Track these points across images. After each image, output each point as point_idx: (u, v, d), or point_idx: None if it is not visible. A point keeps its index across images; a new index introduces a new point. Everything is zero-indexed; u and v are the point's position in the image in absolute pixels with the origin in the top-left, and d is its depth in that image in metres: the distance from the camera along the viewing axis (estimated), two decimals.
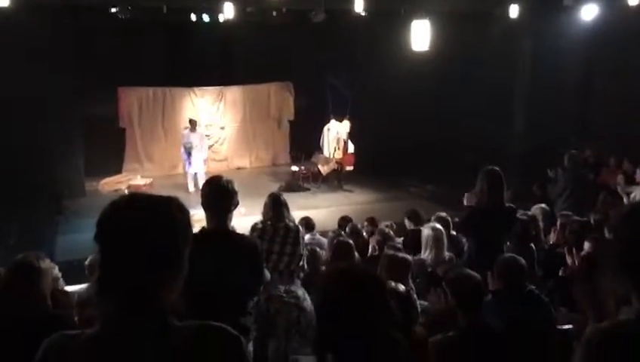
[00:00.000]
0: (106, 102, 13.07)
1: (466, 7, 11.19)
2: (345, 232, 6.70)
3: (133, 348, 1.29)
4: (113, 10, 10.10)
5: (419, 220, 6.56)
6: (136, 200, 1.40)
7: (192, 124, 11.95)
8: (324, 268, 5.07)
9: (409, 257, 4.34)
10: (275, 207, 4.44)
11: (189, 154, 11.80)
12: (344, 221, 7.44)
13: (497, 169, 4.70)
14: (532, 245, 5.12)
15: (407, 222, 6.72)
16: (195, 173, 11.90)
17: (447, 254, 5.29)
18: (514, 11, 10.40)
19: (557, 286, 4.54)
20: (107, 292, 1.34)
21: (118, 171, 13.40)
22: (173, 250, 1.37)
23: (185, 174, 12.40)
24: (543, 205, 6.59)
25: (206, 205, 3.22)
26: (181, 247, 1.40)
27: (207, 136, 14.25)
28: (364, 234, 6.85)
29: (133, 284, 1.32)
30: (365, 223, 7.34)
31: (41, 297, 2.98)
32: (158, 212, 1.37)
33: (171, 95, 14.06)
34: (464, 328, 3.07)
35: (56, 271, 4.50)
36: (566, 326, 3.80)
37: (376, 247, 5.69)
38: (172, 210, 1.39)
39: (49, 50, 10.38)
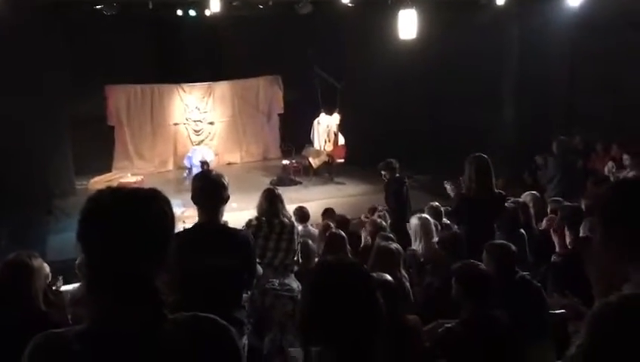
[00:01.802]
0: (93, 101, 12.98)
1: None
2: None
3: (124, 340, 1.28)
4: (98, 6, 10.01)
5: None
6: (119, 195, 1.38)
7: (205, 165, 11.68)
8: (316, 260, 5.08)
9: (399, 247, 4.35)
10: (270, 203, 4.45)
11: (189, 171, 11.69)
12: (327, 213, 7.50)
13: (484, 156, 4.71)
14: (522, 231, 5.15)
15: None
16: None
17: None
18: None
19: (549, 271, 4.57)
20: (99, 290, 1.33)
21: (108, 169, 13.34)
22: (159, 240, 1.36)
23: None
24: (534, 192, 6.62)
25: (197, 200, 3.20)
26: (167, 238, 1.39)
27: (196, 131, 14.30)
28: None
29: (125, 278, 1.31)
30: (368, 213, 7.46)
31: (34, 296, 2.97)
32: (140, 203, 1.36)
33: (159, 92, 13.99)
34: (468, 319, 3.05)
35: (47, 270, 4.49)
36: (559, 311, 3.82)
37: (369, 238, 5.72)
38: (153, 200, 1.38)
39: (34, 48, 10.27)
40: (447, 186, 5.11)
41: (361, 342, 1.51)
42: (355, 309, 1.51)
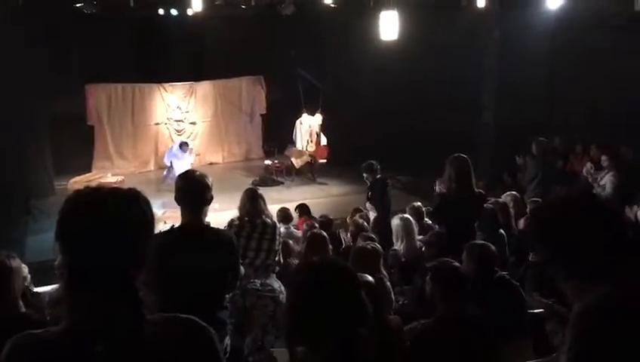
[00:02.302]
0: (73, 100, 12.83)
1: None
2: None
3: (102, 341, 1.28)
4: (78, 5, 9.90)
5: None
6: (97, 194, 1.38)
7: (184, 149, 11.70)
8: (297, 260, 5.09)
9: (378, 247, 4.38)
10: (252, 203, 4.44)
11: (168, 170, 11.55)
12: (301, 208, 7.51)
13: (464, 156, 4.75)
14: (502, 231, 5.20)
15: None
16: None
17: (419, 243, 5.35)
18: (481, 2, 10.49)
19: (528, 271, 4.63)
20: (76, 290, 1.32)
21: (88, 169, 13.20)
22: (138, 240, 1.37)
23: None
24: (514, 192, 6.69)
25: (180, 200, 3.19)
26: (146, 238, 1.39)
27: (177, 131, 14.21)
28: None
29: (102, 278, 1.30)
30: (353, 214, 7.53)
31: (13, 297, 2.94)
32: (119, 203, 1.36)
33: (140, 91, 13.87)
34: (442, 316, 3.09)
35: (26, 271, 4.42)
36: (537, 311, 3.88)
37: (350, 238, 5.74)
38: (132, 200, 1.38)
39: (13, 47, 10.14)
40: (437, 187, 5.15)
41: (346, 341, 1.52)
42: (340, 309, 1.52)
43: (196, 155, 13.46)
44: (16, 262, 3.04)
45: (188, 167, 11.51)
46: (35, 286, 4.85)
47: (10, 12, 9.75)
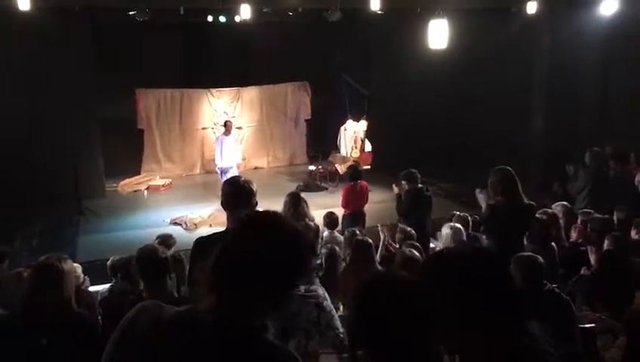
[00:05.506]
0: (124, 104, 13.18)
1: (483, 4, 11.11)
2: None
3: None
4: (131, 12, 10.19)
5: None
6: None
7: (228, 127, 11.42)
8: (343, 265, 5.08)
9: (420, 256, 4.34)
10: (295, 206, 4.48)
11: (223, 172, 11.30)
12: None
13: (508, 168, 4.69)
14: (553, 244, 5.08)
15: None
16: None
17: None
18: (532, 8, 10.30)
19: (578, 284, 4.50)
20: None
21: (137, 172, 13.52)
22: None
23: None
24: (565, 203, 6.52)
25: (226, 205, 3.24)
26: None
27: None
28: None
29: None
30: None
31: (66, 298, 3.02)
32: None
33: (188, 96, 14.14)
34: None
35: (79, 271, 4.56)
36: (589, 325, 3.76)
37: (396, 245, 5.70)
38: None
39: (68, 52, 10.51)
40: (479, 195, 5.07)
41: (412, 347, 1.53)
42: (409, 318, 1.53)
43: (241, 160, 13.55)
44: (67, 264, 3.12)
45: (236, 153, 11.52)
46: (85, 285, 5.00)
47: (65, 18, 10.09)
